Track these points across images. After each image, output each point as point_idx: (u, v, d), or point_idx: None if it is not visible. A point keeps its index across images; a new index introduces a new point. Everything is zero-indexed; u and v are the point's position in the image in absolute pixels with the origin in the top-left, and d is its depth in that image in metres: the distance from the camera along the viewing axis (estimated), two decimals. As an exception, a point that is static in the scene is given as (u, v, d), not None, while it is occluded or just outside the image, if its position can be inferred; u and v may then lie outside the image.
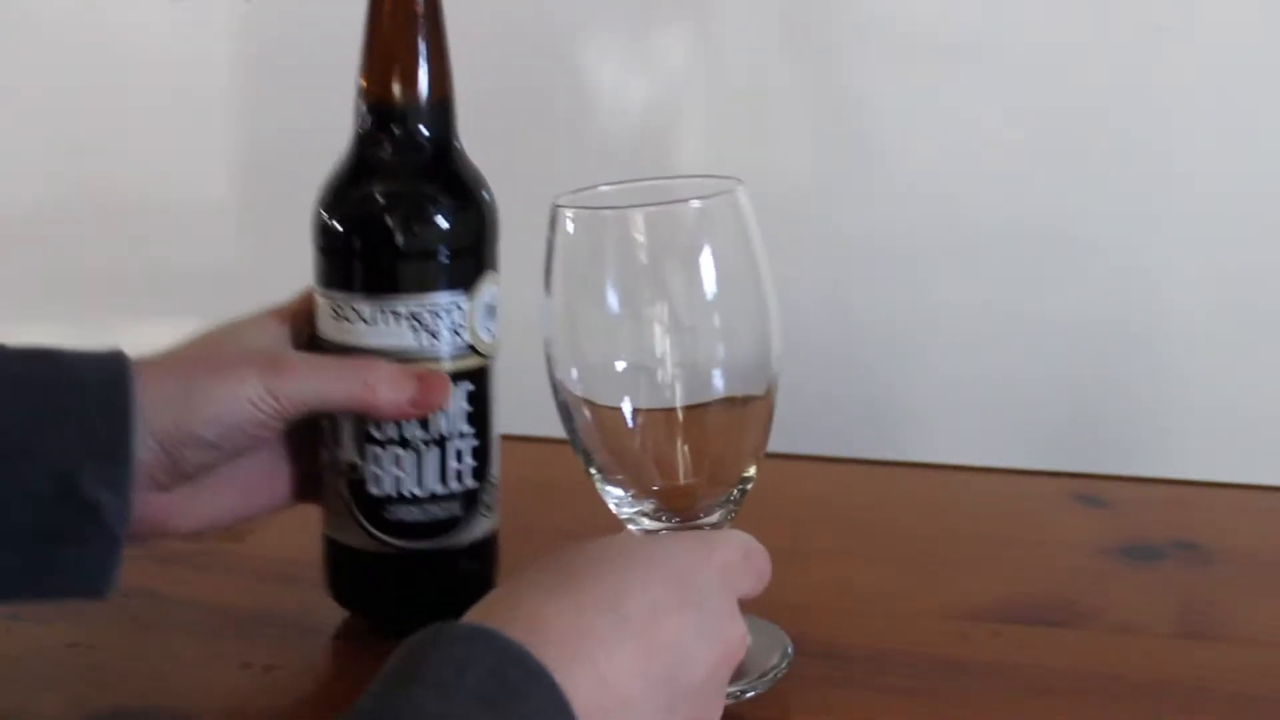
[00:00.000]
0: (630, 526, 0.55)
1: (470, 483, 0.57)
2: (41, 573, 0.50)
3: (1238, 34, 0.84)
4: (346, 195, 0.57)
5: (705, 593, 0.45)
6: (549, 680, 0.39)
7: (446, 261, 0.56)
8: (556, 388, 0.54)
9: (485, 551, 0.59)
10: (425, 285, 0.55)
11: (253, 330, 0.57)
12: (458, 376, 0.56)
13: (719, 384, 0.52)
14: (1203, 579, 0.65)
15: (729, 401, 0.53)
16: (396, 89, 0.56)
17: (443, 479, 0.57)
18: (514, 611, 0.41)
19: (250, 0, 0.96)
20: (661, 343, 0.52)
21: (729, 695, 0.50)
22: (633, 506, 0.54)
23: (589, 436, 0.54)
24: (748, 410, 0.54)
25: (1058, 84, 0.87)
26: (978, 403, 0.92)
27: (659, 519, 0.54)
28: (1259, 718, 0.54)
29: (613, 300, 0.52)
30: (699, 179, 0.54)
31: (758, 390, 0.53)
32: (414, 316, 0.55)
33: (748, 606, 0.48)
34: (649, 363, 0.52)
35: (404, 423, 0.56)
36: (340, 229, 0.56)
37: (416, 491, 0.56)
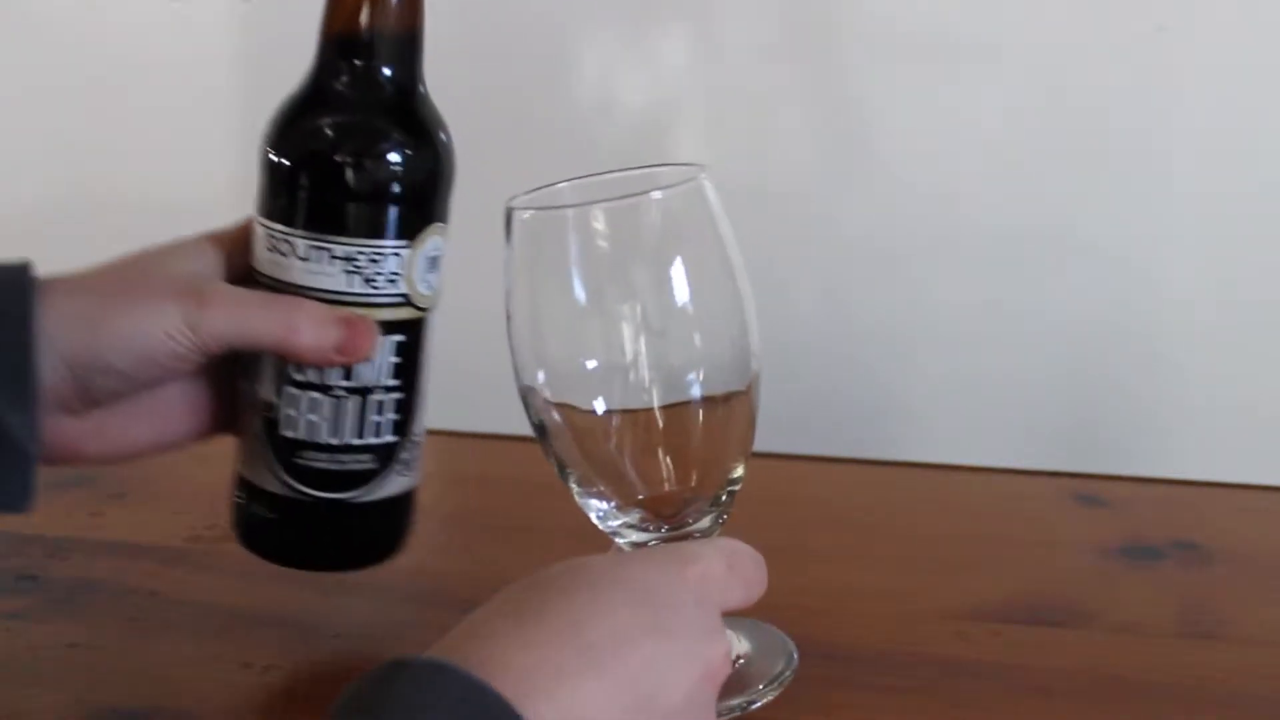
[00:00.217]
0: (617, 540, 0.53)
1: (389, 437, 0.55)
2: None
3: (1238, 34, 0.85)
4: (294, 125, 0.54)
5: (678, 611, 0.43)
6: (512, 715, 0.37)
7: (390, 207, 0.53)
8: (526, 398, 0.52)
9: (396, 510, 0.57)
10: (365, 229, 0.53)
11: (183, 255, 0.55)
12: (389, 327, 0.53)
13: (697, 382, 0.51)
14: (1203, 579, 0.65)
15: (709, 400, 0.51)
16: (359, 16, 0.53)
17: (360, 431, 0.54)
18: (475, 646, 0.40)
19: (250, 0, 0.96)
20: (633, 344, 0.50)
21: (736, 708, 0.50)
22: (617, 518, 0.52)
23: (564, 447, 0.52)
24: (730, 408, 0.52)
25: (1058, 84, 0.87)
26: (978, 403, 0.92)
27: (646, 529, 0.52)
28: (1259, 718, 0.54)
29: (578, 302, 0.50)
30: (663, 168, 0.52)
31: (739, 386, 0.52)
32: (350, 259, 0.52)
33: (750, 611, 0.48)
34: (621, 365, 0.50)
35: (326, 368, 0.53)
36: (282, 160, 0.53)
37: (331, 440, 0.54)
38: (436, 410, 0.87)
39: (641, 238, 0.50)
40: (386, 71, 0.54)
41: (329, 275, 0.52)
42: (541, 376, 0.51)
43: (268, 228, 0.54)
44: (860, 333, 0.93)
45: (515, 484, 0.78)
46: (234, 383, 0.56)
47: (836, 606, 0.62)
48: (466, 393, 0.97)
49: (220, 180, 1.00)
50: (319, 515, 0.55)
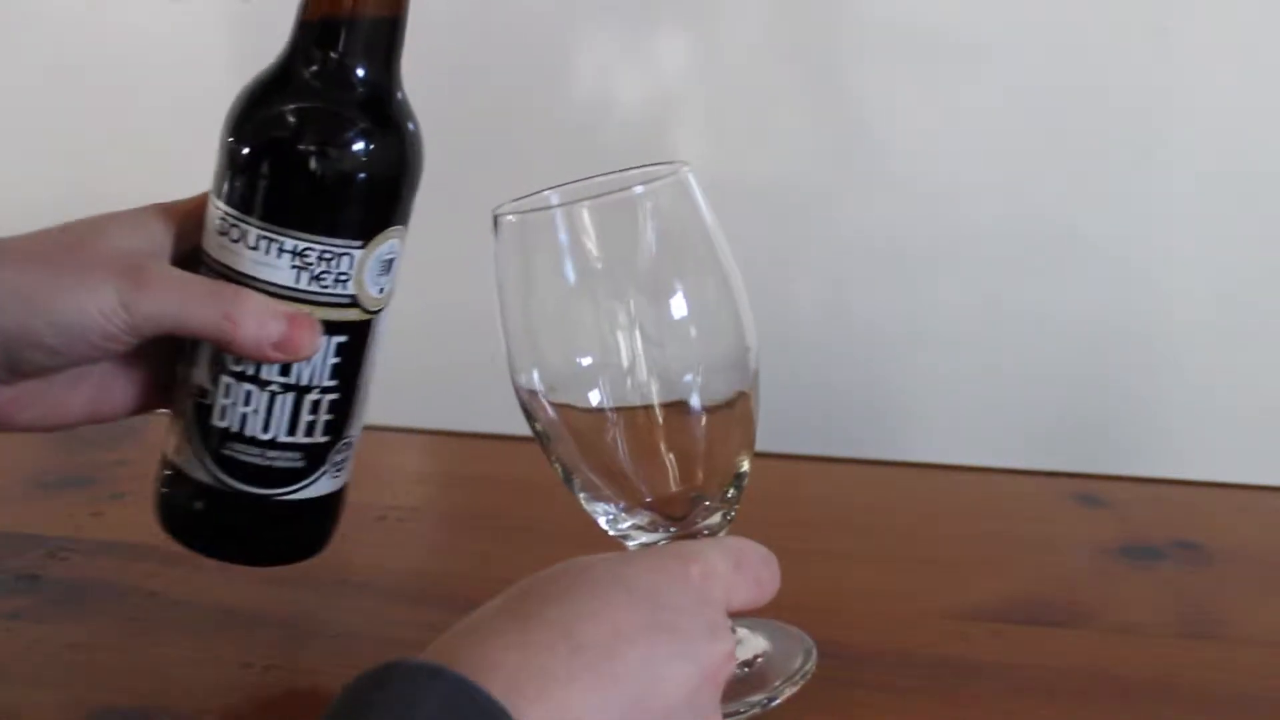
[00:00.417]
0: (628, 544, 0.53)
1: (321, 438, 0.53)
2: None
3: (1239, 35, 0.85)
4: (258, 108, 0.52)
5: (678, 610, 0.42)
6: (503, 714, 0.37)
7: (347, 206, 0.51)
8: (525, 404, 0.52)
9: (321, 511, 0.56)
10: (319, 225, 0.51)
11: (127, 226, 0.53)
12: (333, 327, 0.52)
13: (696, 376, 0.50)
14: (1203, 579, 0.65)
15: (710, 395, 0.51)
16: (339, 5, 0.51)
17: (291, 429, 0.53)
18: (470, 646, 0.40)
19: (249, 0, 0.96)
20: (628, 340, 0.50)
21: (756, 704, 0.50)
22: (626, 521, 0.52)
23: (566, 451, 0.51)
24: (732, 400, 0.51)
25: (1058, 84, 0.87)
26: (978, 403, 0.92)
27: (655, 530, 0.52)
28: (1259, 718, 0.54)
29: (570, 303, 0.50)
30: (647, 168, 0.51)
31: (738, 376, 0.51)
32: (300, 254, 0.51)
33: (765, 610, 0.47)
34: (618, 363, 0.50)
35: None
36: (242, 143, 0.52)
37: (261, 435, 0.52)
38: (437, 410, 0.87)
39: (629, 234, 0.50)
40: (361, 67, 0.52)
41: (277, 268, 0.51)
42: (539, 381, 0.51)
43: (221, 210, 0.52)
44: (860, 332, 0.93)
45: (515, 484, 0.78)
46: (173, 358, 0.54)
47: (836, 606, 0.62)
48: (466, 393, 0.97)
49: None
50: (242, 509, 0.54)
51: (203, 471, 0.53)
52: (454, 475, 0.84)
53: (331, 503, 0.56)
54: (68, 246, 0.51)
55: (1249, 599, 0.63)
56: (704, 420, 0.51)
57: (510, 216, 0.51)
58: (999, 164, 0.89)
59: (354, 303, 0.52)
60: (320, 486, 0.55)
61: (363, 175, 0.52)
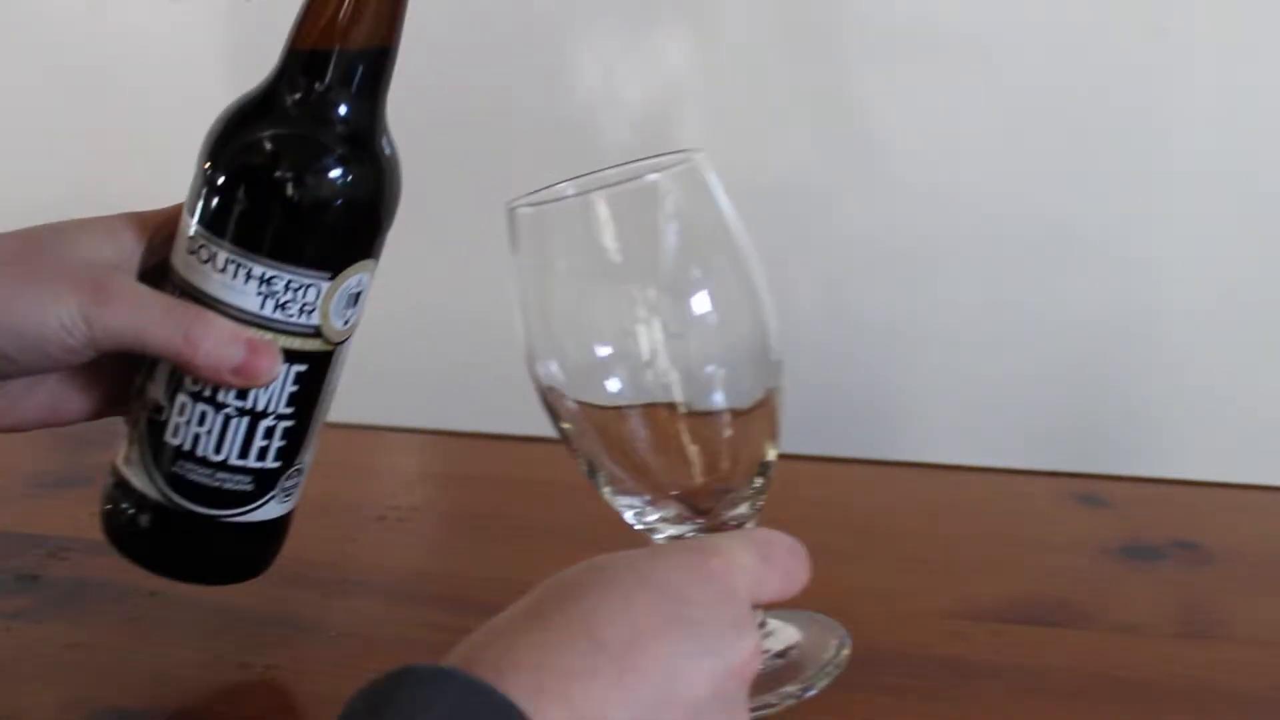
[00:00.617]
0: (655, 538, 0.52)
1: (272, 463, 0.54)
2: None
3: (1240, 35, 0.85)
4: (240, 132, 0.52)
5: (699, 606, 0.42)
6: (517, 714, 0.37)
7: (319, 238, 0.51)
8: (547, 399, 0.51)
9: (265, 534, 0.56)
10: (288, 255, 0.51)
11: (96, 235, 0.53)
12: (293, 356, 0.52)
13: (718, 365, 0.50)
14: (1203, 579, 0.65)
15: (733, 383, 0.50)
16: (329, 39, 0.51)
17: (244, 452, 0.53)
18: (488, 648, 0.39)
19: (249, 0, 0.96)
20: (649, 331, 0.49)
21: (791, 695, 0.50)
22: (652, 514, 0.52)
23: (590, 445, 0.51)
24: (755, 387, 0.51)
25: (1058, 84, 0.87)
26: (978, 403, 0.92)
27: (682, 523, 0.52)
28: (1259, 718, 0.54)
29: (588, 294, 0.50)
30: (658, 158, 0.51)
31: (761, 364, 0.51)
32: (267, 282, 0.51)
33: (792, 603, 0.47)
34: (638, 354, 0.49)
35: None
36: (219, 167, 0.52)
37: (213, 456, 0.52)
38: (437, 410, 0.87)
39: (644, 222, 0.50)
40: (346, 100, 0.52)
41: (243, 293, 0.51)
42: (559, 374, 0.50)
43: (193, 229, 0.52)
44: (860, 332, 0.93)
45: (515, 484, 0.78)
46: (133, 367, 0.54)
47: (836, 606, 0.62)
48: (466, 393, 0.97)
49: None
50: (187, 527, 0.54)
51: (151, 487, 0.53)
52: (454, 475, 0.84)
53: (277, 527, 0.56)
54: (32, 253, 0.51)
55: (1249, 599, 0.63)
56: (727, 411, 0.51)
57: (526, 208, 0.50)
58: (999, 164, 0.89)
59: (317, 333, 0.53)
60: (268, 511, 0.55)
61: (336, 209, 0.52)
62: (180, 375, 0.52)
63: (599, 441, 0.51)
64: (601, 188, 0.49)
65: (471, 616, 0.61)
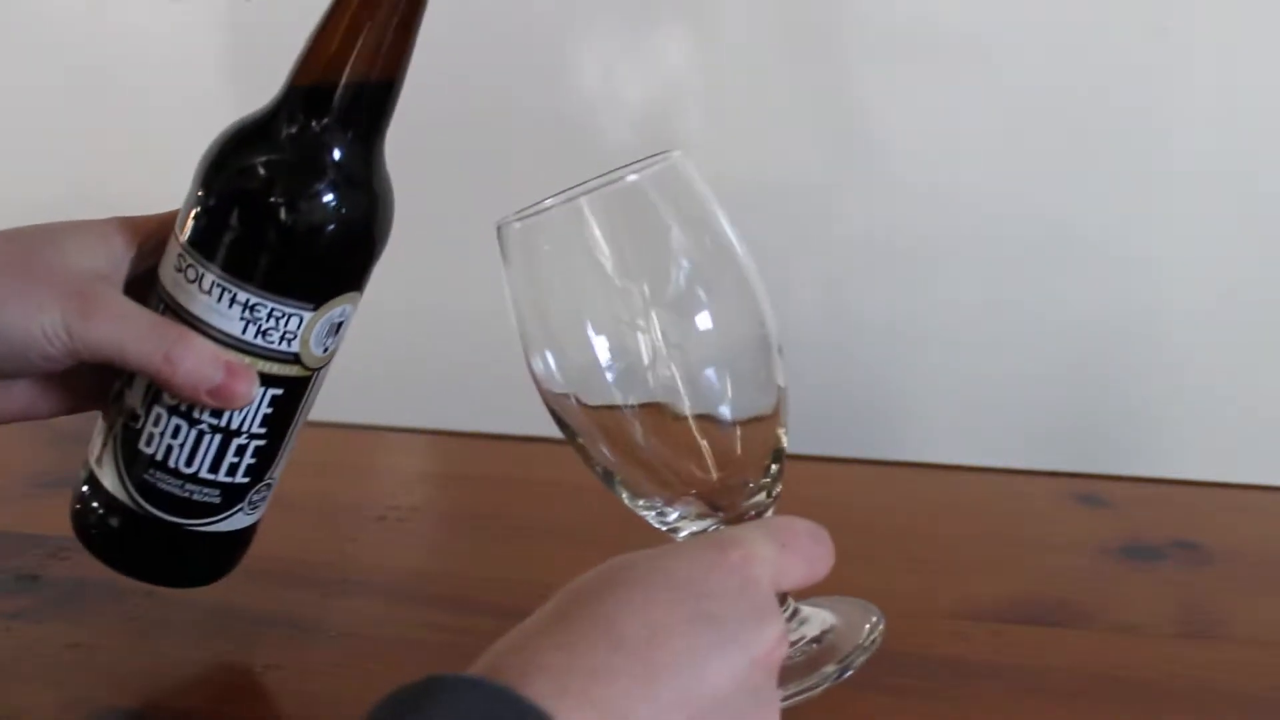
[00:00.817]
0: (678, 536, 0.52)
1: (241, 479, 0.55)
2: None
3: (1240, 35, 0.85)
4: (236, 160, 0.52)
5: (720, 597, 0.42)
6: (541, 717, 0.37)
7: (306, 271, 0.52)
8: (554, 409, 0.52)
9: (229, 544, 0.57)
10: (275, 285, 0.52)
11: (86, 240, 0.53)
12: (270, 380, 0.53)
13: (719, 358, 0.50)
14: (1203, 579, 0.65)
15: (736, 374, 0.51)
16: (332, 77, 0.51)
17: (214, 467, 0.54)
18: (512, 653, 0.40)
19: (250, 0, 0.96)
20: (648, 338, 0.49)
21: (830, 674, 0.50)
22: (672, 514, 0.52)
23: (602, 453, 0.51)
24: (757, 377, 0.51)
25: (1058, 84, 0.87)
26: (978, 403, 0.92)
27: (702, 520, 0.52)
28: (1259, 718, 0.54)
29: (584, 301, 0.50)
30: (639, 162, 0.51)
31: (762, 358, 0.51)
32: (251, 309, 0.52)
33: (820, 588, 0.47)
34: (639, 360, 0.50)
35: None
36: (212, 192, 0.52)
37: (183, 468, 0.53)
38: (437, 410, 0.87)
39: (632, 223, 0.50)
40: (342, 141, 0.52)
41: (227, 317, 0.52)
42: (563, 384, 0.51)
43: (182, 248, 0.52)
44: (860, 332, 0.93)
45: (515, 484, 0.78)
46: (112, 368, 0.54)
47: (836, 606, 0.62)
48: (466, 393, 0.97)
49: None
50: (153, 534, 0.55)
51: (122, 491, 0.54)
52: (454, 475, 0.84)
53: (241, 536, 0.57)
54: (20, 257, 0.51)
55: (1249, 599, 0.63)
56: (733, 403, 0.51)
57: (515, 224, 0.51)
58: (999, 164, 0.89)
59: (296, 360, 0.53)
60: (233, 522, 0.56)
61: (325, 245, 0.52)
62: (157, 389, 0.53)
63: (609, 447, 0.51)
64: (585, 191, 0.49)
65: (471, 616, 0.61)
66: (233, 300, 0.51)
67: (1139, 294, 0.89)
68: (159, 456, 0.53)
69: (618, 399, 0.50)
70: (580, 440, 0.52)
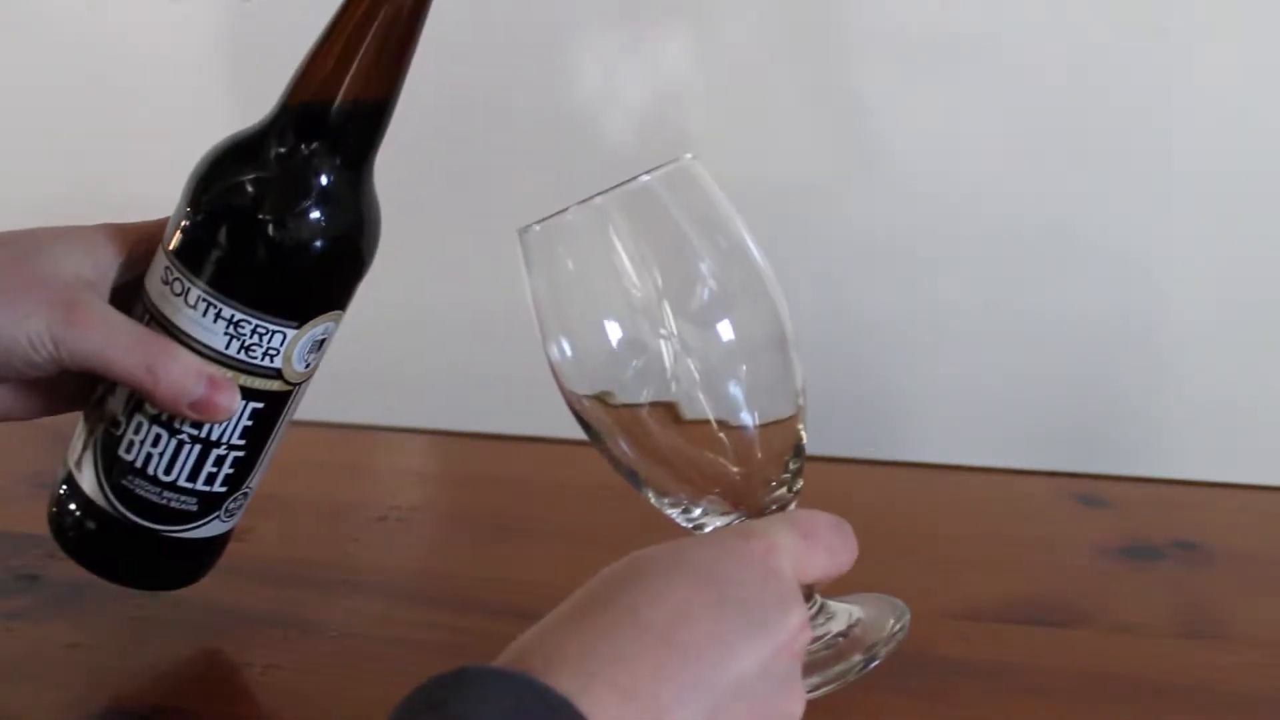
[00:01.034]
0: (703, 532, 0.53)
1: (219, 488, 0.55)
2: None
3: (1240, 35, 0.85)
4: (225, 176, 0.52)
5: (743, 586, 0.42)
6: (568, 706, 0.37)
7: (291, 290, 0.53)
8: (576, 410, 0.52)
9: (203, 550, 0.58)
10: (260, 303, 0.52)
11: (75, 247, 0.53)
12: (252, 394, 0.54)
13: (739, 362, 0.51)
14: (1203, 579, 0.65)
15: (752, 369, 0.51)
16: (324, 98, 0.52)
17: (193, 476, 0.54)
18: (538, 643, 0.40)
19: (249, 0, 0.96)
20: (669, 339, 0.50)
21: (857, 664, 0.50)
22: (696, 510, 0.52)
23: (623, 452, 0.52)
24: (773, 371, 0.52)
25: (1059, 84, 0.87)
26: (978, 403, 0.92)
27: (726, 515, 0.52)
28: (1259, 718, 0.54)
29: (604, 302, 0.50)
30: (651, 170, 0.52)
31: (779, 354, 0.52)
32: (236, 325, 0.52)
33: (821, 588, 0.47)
34: (660, 361, 0.50)
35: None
36: (200, 208, 0.52)
37: (162, 476, 0.54)
38: (437, 410, 0.87)
39: (650, 226, 0.50)
40: (332, 165, 0.53)
41: (211, 332, 0.52)
42: (585, 385, 0.51)
43: (169, 261, 0.53)
44: (860, 332, 0.93)
45: (515, 484, 0.78)
46: (91, 378, 0.55)
47: (836, 606, 0.62)
48: (466, 393, 0.97)
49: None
50: (129, 538, 0.55)
51: (100, 495, 0.55)
52: (454, 475, 0.84)
53: (216, 543, 0.58)
54: (7, 264, 0.52)
55: (1249, 599, 0.63)
56: (753, 402, 0.51)
57: (535, 228, 0.51)
58: (999, 164, 0.89)
59: (278, 375, 0.54)
60: (209, 529, 0.56)
61: (311, 265, 0.53)
62: (139, 399, 0.53)
63: (632, 447, 0.52)
64: (601, 193, 0.50)
65: (471, 616, 0.61)
66: (217, 315, 0.52)
67: (1139, 294, 0.89)
68: (138, 464, 0.54)
69: (639, 399, 0.51)
70: (604, 441, 0.52)
